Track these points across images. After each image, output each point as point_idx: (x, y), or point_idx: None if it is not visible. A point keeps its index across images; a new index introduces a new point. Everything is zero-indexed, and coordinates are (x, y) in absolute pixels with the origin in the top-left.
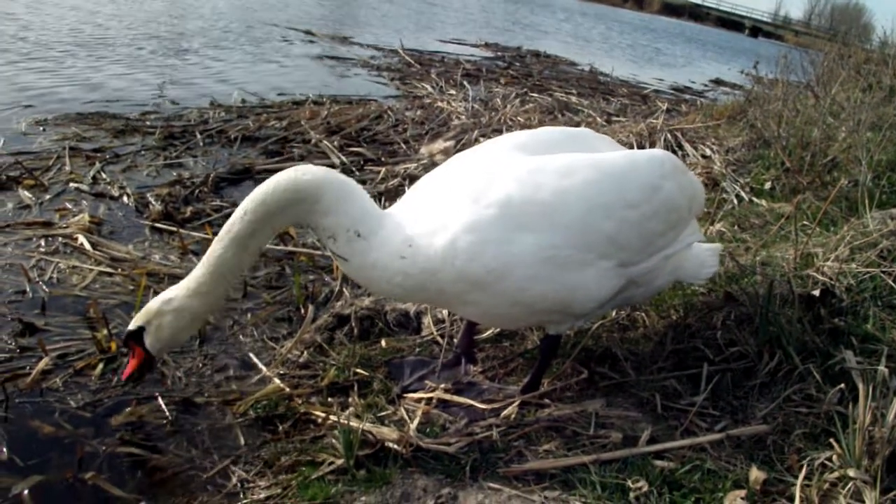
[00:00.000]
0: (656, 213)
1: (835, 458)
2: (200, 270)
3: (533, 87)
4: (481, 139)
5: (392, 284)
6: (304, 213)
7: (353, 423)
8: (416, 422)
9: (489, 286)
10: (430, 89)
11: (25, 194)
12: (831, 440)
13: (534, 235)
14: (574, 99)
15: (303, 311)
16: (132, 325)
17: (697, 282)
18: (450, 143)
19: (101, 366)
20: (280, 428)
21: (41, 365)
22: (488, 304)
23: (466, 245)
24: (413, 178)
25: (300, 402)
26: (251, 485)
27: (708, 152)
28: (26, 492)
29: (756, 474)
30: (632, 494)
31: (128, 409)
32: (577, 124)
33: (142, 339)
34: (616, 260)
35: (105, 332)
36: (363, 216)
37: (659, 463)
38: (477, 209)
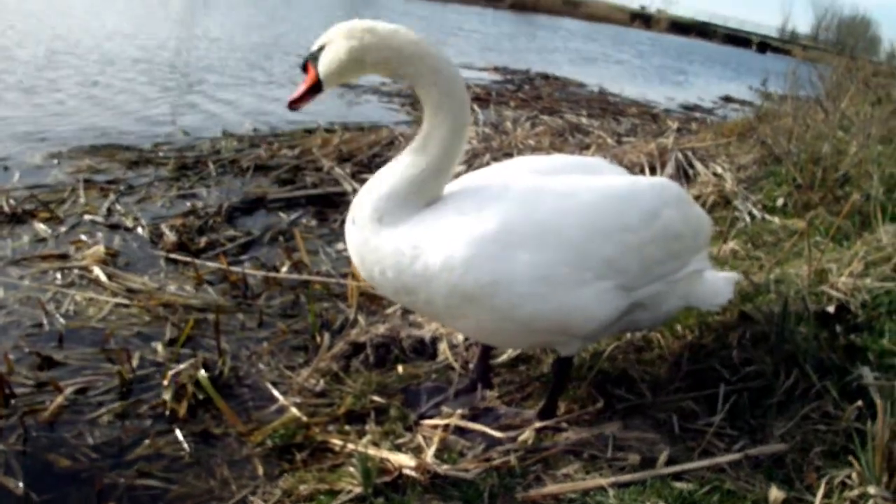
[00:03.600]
0: (655, 240)
1: (854, 475)
2: None
3: (543, 109)
4: (493, 163)
5: (384, 277)
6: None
7: (371, 451)
8: (433, 448)
9: (481, 301)
10: None
11: (41, 227)
12: (850, 458)
13: (529, 253)
14: (584, 120)
15: (318, 339)
16: (315, 46)
17: (710, 308)
18: (461, 168)
19: (118, 398)
20: (298, 457)
21: (59, 399)
22: (481, 319)
23: (462, 259)
24: None
25: (317, 430)
26: None
27: (719, 170)
28: None
29: (775, 494)
30: None
31: (146, 442)
32: (588, 146)
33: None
34: (615, 281)
35: (125, 365)
36: (401, 204)
37: (678, 484)
38: (477, 225)
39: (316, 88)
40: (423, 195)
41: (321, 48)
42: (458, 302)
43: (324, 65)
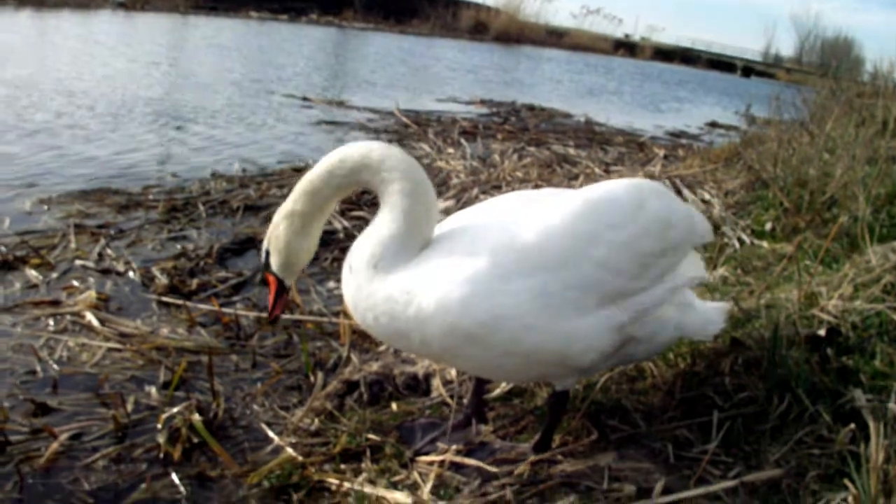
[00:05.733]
0: (647, 232)
1: (850, 498)
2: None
3: (530, 140)
4: (482, 196)
5: (378, 323)
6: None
7: (367, 489)
8: (429, 485)
9: (481, 339)
10: (427, 149)
11: (32, 273)
12: (846, 481)
13: (524, 281)
14: (571, 150)
15: (312, 378)
16: (262, 257)
17: (703, 339)
18: (450, 203)
19: (113, 442)
20: (294, 497)
21: (54, 446)
22: (481, 357)
23: (458, 299)
24: None
25: (313, 470)
26: None
27: (707, 196)
28: None
29: None
30: None
31: (142, 486)
32: (576, 176)
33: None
34: (615, 304)
35: (119, 410)
36: (397, 251)
37: None
38: (468, 263)
39: (282, 289)
40: (417, 236)
41: (267, 253)
42: (456, 342)
43: (275, 263)
